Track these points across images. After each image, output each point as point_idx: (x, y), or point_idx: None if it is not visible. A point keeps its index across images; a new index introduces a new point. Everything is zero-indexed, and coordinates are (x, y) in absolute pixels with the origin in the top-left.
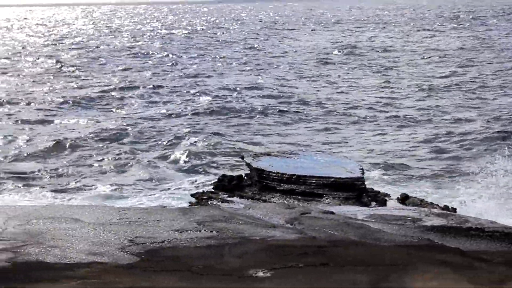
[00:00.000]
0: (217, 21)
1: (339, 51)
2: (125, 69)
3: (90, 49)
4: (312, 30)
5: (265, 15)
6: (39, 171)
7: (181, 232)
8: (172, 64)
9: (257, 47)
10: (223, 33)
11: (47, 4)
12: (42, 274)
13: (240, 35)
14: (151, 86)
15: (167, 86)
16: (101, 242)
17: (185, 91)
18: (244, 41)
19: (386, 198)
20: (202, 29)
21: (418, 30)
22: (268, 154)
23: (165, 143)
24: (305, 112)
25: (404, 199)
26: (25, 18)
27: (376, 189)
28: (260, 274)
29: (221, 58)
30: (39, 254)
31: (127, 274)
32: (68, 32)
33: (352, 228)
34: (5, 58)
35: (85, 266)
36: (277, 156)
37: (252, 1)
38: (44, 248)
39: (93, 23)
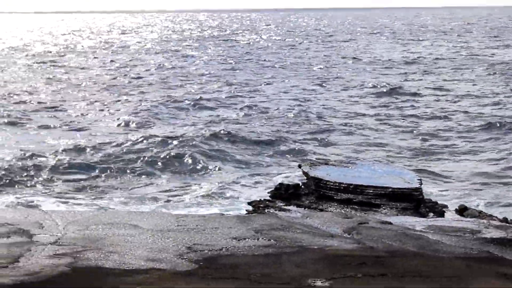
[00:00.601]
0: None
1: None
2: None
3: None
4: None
5: (327, 25)
6: (96, 176)
7: (239, 240)
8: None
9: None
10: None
11: (105, 11)
12: (101, 279)
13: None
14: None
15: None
16: (159, 249)
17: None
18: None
19: (444, 209)
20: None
21: None
22: (326, 163)
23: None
24: None
25: (462, 211)
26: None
27: (433, 199)
28: (319, 283)
29: None
30: (98, 259)
31: (185, 281)
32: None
33: (411, 239)
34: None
35: (144, 272)
36: (334, 165)
37: (303, 10)
38: (103, 254)
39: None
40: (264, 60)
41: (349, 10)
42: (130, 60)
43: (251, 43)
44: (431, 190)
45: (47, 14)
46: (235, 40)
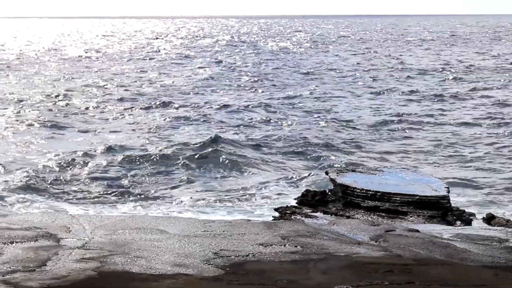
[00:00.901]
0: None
1: None
2: None
3: None
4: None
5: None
6: (123, 180)
7: (265, 246)
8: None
9: None
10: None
11: (134, 17)
12: (128, 284)
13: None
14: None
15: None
16: (186, 254)
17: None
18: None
19: (472, 217)
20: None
21: None
22: (353, 170)
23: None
24: None
25: (490, 219)
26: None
27: (461, 207)
28: None
29: None
30: (125, 264)
31: (211, 287)
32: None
33: (438, 247)
34: None
35: (170, 277)
36: (362, 172)
37: (331, 17)
38: (130, 258)
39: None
40: (301, 66)
41: (375, 17)
42: (157, 67)
43: (285, 48)
44: (459, 199)
45: (75, 19)
46: (271, 46)
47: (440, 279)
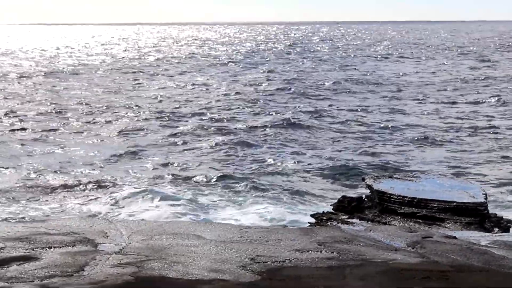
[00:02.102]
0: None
1: None
2: None
3: None
4: None
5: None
6: (162, 184)
7: (302, 252)
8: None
9: None
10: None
11: (173, 23)
12: None
13: None
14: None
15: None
16: (222, 260)
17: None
18: None
19: (510, 224)
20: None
21: None
22: (390, 176)
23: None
24: None
25: None
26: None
27: (498, 214)
28: None
29: None
30: (162, 269)
31: None
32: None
33: (476, 254)
34: None
35: (207, 283)
36: (398, 178)
37: (362, 23)
38: (167, 264)
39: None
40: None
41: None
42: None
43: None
44: (498, 208)
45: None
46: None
47: (478, 286)
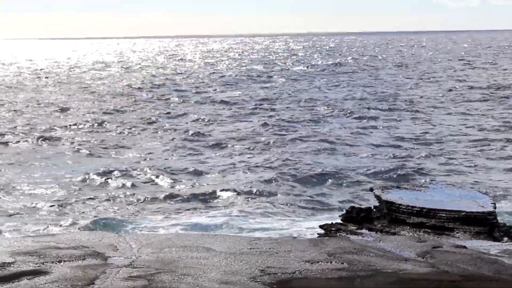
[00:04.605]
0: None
1: None
2: None
3: None
4: None
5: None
6: (171, 196)
7: (312, 263)
8: None
9: None
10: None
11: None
12: None
13: None
14: None
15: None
16: (232, 272)
17: None
18: None
19: None
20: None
21: None
22: (398, 187)
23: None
24: None
25: None
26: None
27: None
28: None
29: None
30: (172, 282)
31: None
32: None
33: (486, 263)
34: None
35: None
36: (407, 188)
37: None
38: (177, 276)
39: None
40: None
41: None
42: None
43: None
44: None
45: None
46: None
47: None
